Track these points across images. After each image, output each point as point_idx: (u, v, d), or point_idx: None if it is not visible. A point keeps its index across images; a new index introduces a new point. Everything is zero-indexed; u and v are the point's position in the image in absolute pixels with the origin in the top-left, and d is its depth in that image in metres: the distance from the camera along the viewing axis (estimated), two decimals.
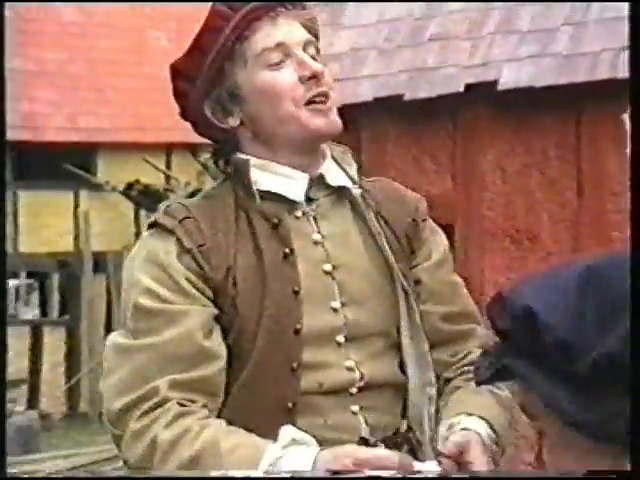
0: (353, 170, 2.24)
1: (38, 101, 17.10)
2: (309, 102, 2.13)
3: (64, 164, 16.79)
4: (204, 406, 2.04)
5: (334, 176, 2.21)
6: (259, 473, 1.93)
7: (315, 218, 2.19)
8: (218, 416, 2.06)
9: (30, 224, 17.08)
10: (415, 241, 2.26)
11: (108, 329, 17.10)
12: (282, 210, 2.15)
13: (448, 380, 2.23)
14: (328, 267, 2.16)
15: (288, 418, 2.05)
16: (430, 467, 1.98)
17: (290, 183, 2.17)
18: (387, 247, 2.19)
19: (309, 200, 2.19)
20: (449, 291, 2.28)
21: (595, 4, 6.96)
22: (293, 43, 2.15)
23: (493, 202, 7.12)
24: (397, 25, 7.38)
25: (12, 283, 17.54)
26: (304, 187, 2.17)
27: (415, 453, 2.16)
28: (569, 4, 7.06)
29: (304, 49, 2.16)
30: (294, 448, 1.95)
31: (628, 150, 4.09)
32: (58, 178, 16.88)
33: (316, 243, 2.17)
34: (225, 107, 2.16)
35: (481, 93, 7.04)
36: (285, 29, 2.15)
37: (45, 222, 17.07)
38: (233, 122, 2.17)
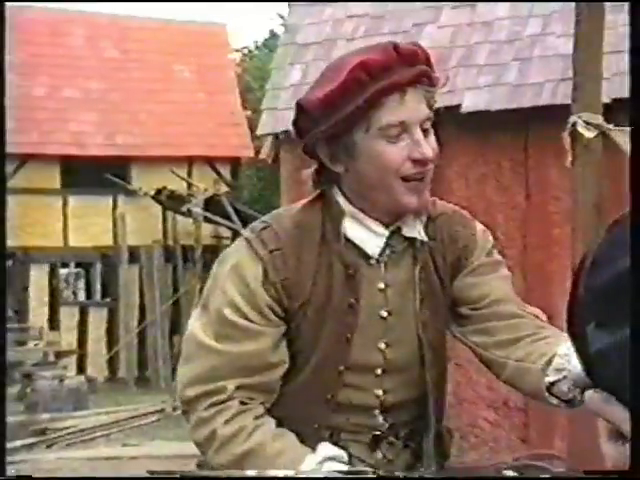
0: (424, 219, 2.08)
1: (83, 123, 17.08)
2: (408, 179, 1.99)
3: (104, 174, 16.75)
4: (261, 403, 2.02)
5: (410, 227, 2.06)
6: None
7: (386, 265, 2.05)
8: (271, 410, 2.03)
9: (77, 223, 17.06)
10: (458, 273, 2.10)
11: (141, 309, 17.09)
12: (359, 258, 2.03)
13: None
14: (384, 313, 2.06)
15: (316, 432, 2.02)
16: None
17: (372, 237, 2.03)
18: (419, 295, 2.05)
19: (385, 246, 2.05)
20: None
21: (538, 45, 6.96)
22: (413, 122, 1.98)
23: (458, 204, 7.08)
24: None
25: (63, 271, 17.51)
26: (383, 242, 2.04)
27: (420, 440, 2.12)
28: (516, 45, 7.05)
29: (422, 125, 2.00)
30: (328, 464, 1.95)
31: (568, 163, 4.06)
32: (99, 185, 16.85)
33: (380, 290, 2.05)
34: (336, 156, 2.00)
35: (447, 115, 7.02)
36: (410, 107, 1.97)
37: (89, 222, 17.05)
38: (339, 169, 2.01)
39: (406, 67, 1.96)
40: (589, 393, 0.99)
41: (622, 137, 3.74)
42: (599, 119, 3.76)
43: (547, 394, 1.92)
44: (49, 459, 9.93)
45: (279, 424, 2.02)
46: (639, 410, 0.92)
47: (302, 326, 2.02)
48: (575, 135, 3.77)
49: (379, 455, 2.09)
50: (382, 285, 2.05)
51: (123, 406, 12.83)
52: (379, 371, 2.07)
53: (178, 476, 1.99)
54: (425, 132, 2.02)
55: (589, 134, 3.71)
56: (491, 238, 2.17)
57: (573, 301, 0.98)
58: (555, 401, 1.93)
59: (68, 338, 16.60)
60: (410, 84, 1.96)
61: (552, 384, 1.91)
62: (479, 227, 2.17)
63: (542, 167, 6.86)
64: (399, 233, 2.06)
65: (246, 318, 2.00)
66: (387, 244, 2.05)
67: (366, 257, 2.04)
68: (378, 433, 2.08)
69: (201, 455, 2.07)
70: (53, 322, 16.88)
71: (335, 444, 2.01)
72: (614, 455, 0.98)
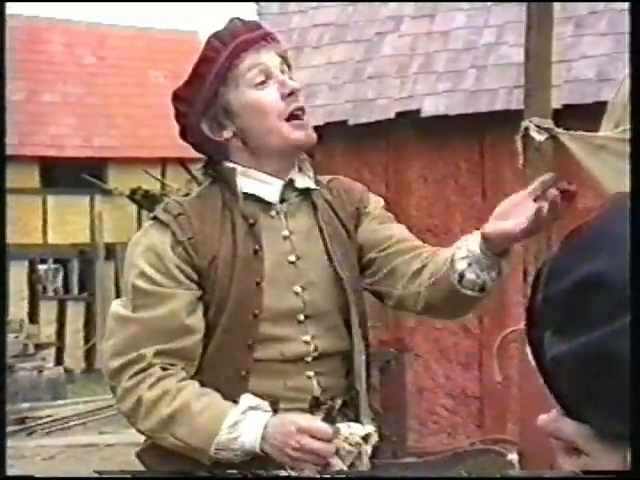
0: (312, 174, 2.17)
1: (62, 126, 16.97)
2: (290, 117, 2.07)
3: (82, 175, 16.66)
4: (182, 369, 2.01)
5: (301, 180, 2.14)
6: (224, 434, 1.92)
7: (286, 216, 2.12)
8: (194, 377, 2.02)
9: (56, 222, 16.95)
10: (360, 223, 2.19)
11: None
12: (259, 211, 2.09)
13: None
14: (292, 258, 2.09)
15: (242, 383, 2.01)
16: (356, 429, 1.97)
17: (268, 188, 2.10)
18: (328, 238, 2.11)
19: (282, 201, 2.12)
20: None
21: (493, 53, 7.00)
22: (273, 66, 2.09)
23: (418, 204, 7.14)
24: (342, 66, 7.38)
25: (42, 267, 17.39)
26: (279, 191, 2.11)
27: (356, 406, 2.12)
28: (473, 53, 7.09)
29: (282, 72, 2.11)
30: (251, 413, 1.94)
31: (520, 164, 4.09)
32: (77, 185, 16.76)
33: (285, 238, 2.10)
34: (220, 122, 2.08)
35: (408, 119, 7.06)
36: (266, 57, 2.09)
37: (67, 220, 16.95)
38: (227, 134, 2.09)
39: (252, 32, 2.11)
40: (541, 417, 0.97)
41: (571, 140, 3.78)
42: (549, 123, 3.79)
43: (460, 287, 1.95)
44: (29, 446, 9.87)
45: (206, 387, 2.00)
46: (639, 410, 0.89)
47: (215, 283, 2.02)
48: (527, 138, 3.81)
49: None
50: (286, 232, 2.10)
51: (99, 396, 12.76)
52: (301, 317, 2.07)
53: (130, 476, 1.97)
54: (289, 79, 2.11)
55: (540, 137, 3.74)
56: (382, 201, 2.26)
57: (531, 308, 0.96)
58: (470, 292, 1.95)
59: (47, 331, 16.49)
60: (261, 40, 2.10)
61: (462, 276, 1.94)
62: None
63: (497, 168, 6.90)
64: (292, 186, 2.12)
65: (157, 284, 2.01)
66: (283, 197, 2.11)
67: (265, 209, 2.09)
68: (316, 396, 2.07)
69: (131, 426, 2.05)
70: (33, 316, 16.76)
71: (275, 413, 1.99)
72: (572, 469, 0.96)
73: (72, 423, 11.26)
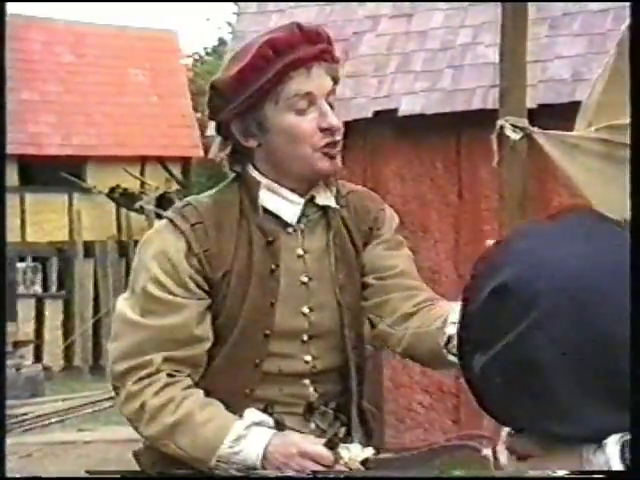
0: (335, 190, 2.10)
1: (40, 124, 16.89)
2: (322, 148, 2.00)
3: (60, 173, 16.58)
4: (188, 376, 2.00)
5: (323, 196, 2.08)
6: (226, 448, 1.92)
7: (303, 233, 2.07)
8: (199, 383, 2.02)
9: (34, 219, 16.87)
10: (369, 242, 2.13)
11: (95, 300, 16.95)
12: (277, 227, 2.05)
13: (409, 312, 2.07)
14: (305, 278, 2.06)
15: (246, 399, 2.02)
16: (356, 454, 1.97)
17: (288, 207, 2.05)
18: (334, 261, 2.07)
19: (300, 217, 2.07)
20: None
21: (469, 53, 7.03)
22: (319, 94, 2.00)
23: (395, 202, 7.14)
24: None
25: (20, 265, 17.31)
26: (299, 210, 2.06)
27: (349, 410, 2.13)
28: (450, 53, 7.11)
29: (327, 98, 2.02)
30: (254, 429, 1.94)
31: (494, 163, 4.12)
32: (56, 184, 16.67)
33: (299, 257, 2.07)
34: (250, 131, 2.01)
35: (385, 118, 7.08)
36: (316, 80, 2.00)
37: (46, 218, 16.87)
38: (252, 143, 2.02)
39: (309, 45, 2.00)
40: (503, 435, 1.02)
41: (546, 139, 3.80)
42: (524, 122, 3.81)
43: (446, 352, 1.91)
44: (7, 443, 9.83)
45: (210, 396, 2.00)
46: (639, 410, 0.91)
47: (227, 297, 2.01)
48: (502, 137, 3.82)
49: (312, 425, 2.09)
50: (300, 252, 2.06)
51: (78, 393, 12.73)
52: (305, 337, 2.07)
53: (119, 476, 1.97)
54: (331, 107, 2.04)
55: (515, 136, 3.76)
56: (397, 217, 2.20)
57: (459, 334, 1.04)
58: (453, 358, 1.91)
59: (25, 328, 16.41)
60: (314, 60, 2.00)
61: (449, 341, 1.89)
62: (386, 206, 2.20)
63: (473, 167, 6.94)
64: (313, 202, 2.08)
65: (169, 292, 1.99)
66: (303, 213, 2.06)
67: (284, 225, 2.05)
68: (310, 402, 2.08)
69: (134, 430, 2.04)
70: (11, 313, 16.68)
71: (271, 416, 2.01)
72: (512, 469, 1.01)
73: (50, 420, 11.22)
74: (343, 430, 2.12)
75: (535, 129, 3.82)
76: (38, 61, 17.39)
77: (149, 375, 1.98)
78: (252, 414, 1.98)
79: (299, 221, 2.06)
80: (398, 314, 2.03)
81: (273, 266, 2.03)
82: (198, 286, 2.00)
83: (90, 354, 16.63)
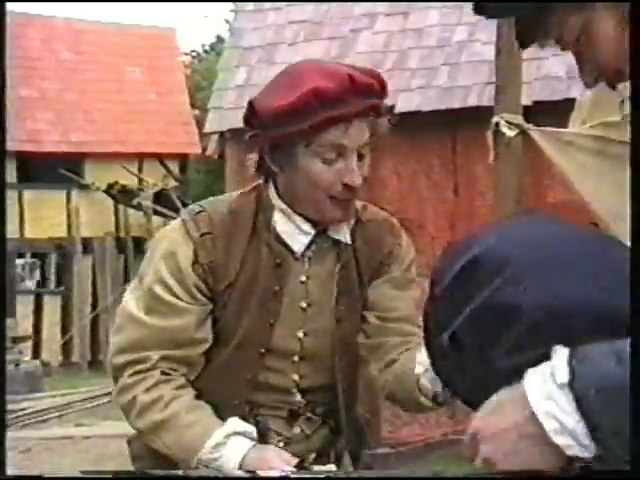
0: (352, 222, 2.07)
1: (39, 121, 16.88)
2: (337, 194, 1.97)
3: (59, 169, 16.58)
4: (183, 375, 2.03)
5: (336, 228, 2.05)
6: (206, 453, 1.94)
7: (309, 260, 2.05)
8: (193, 383, 2.04)
9: (33, 216, 16.86)
10: (378, 276, 2.10)
11: (94, 296, 16.95)
12: (286, 251, 2.04)
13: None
14: (304, 304, 2.05)
15: (234, 410, 2.03)
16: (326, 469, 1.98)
17: (299, 235, 2.03)
18: (336, 291, 2.05)
19: (311, 242, 2.05)
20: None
21: (466, 51, 7.03)
22: (351, 147, 1.95)
23: (391, 199, 7.16)
24: None
25: (19, 261, 17.31)
26: (308, 241, 2.04)
27: (337, 417, 2.12)
28: (446, 51, 7.12)
29: (360, 151, 1.97)
30: (234, 439, 1.95)
31: (490, 159, 4.12)
32: (54, 180, 16.67)
33: (302, 282, 2.05)
34: (275, 158, 1.98)
35: None
36: (353, 136, 1.94)
37: (44, 214, 16.86)
38: (274, 168, 2.00)
39: (359, 98, 1.93)
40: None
41: (541, 136, 3.81)
42: (520, 119, 3.82)
43: (418, 392, 1.91)
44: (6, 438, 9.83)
45: (201, 396, 2.03)
46: (639, 410, 0.92)
47: (227, 306, 2.03)
48: (498, 134, 3.83)
49: (297, 430, 2.10)
50: (304, 278, 2.05)
51: (76, 388, 12.73)
52: (296, 358, 2.08)
53: (111, 476, 1.99)
54: (361, 157, 2.00)
55: (510, 133, 3.77)
56: (413, 252, 2.16)
57: (425, 318, 1.14)
58: (423, 399, 1.92)
59: (24, 324, 16.40)
60: (357, 116, 1.93)
61: (418, 381, 1.90)
62: (405, 238, 2.16)
63: (469, 164, 6.94)
64: (325, 233, 2.05)
65: (174, 295, 2.01)
66: (313, 241, 2.05)
67: (292, 251, 2.05)
68: (295, 408, 2.09)
69: (125, 420, 2.07)
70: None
71: (255, 418, 2.03)
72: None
73: (49, 416, 11.22)
74: (329, 436, 2.12)
75: (530, 126, 3.83)
76: (37, 58, 17.38)
77: (145, 370, 2.00)
78: (234, 423, 1.99)
79: (308, 247, 2.05)
80: (387, 359, 2.03)
81: (277, 288, 2.03)
82: (202, 293, 2.03)
83: (88, 350, 16.62)
